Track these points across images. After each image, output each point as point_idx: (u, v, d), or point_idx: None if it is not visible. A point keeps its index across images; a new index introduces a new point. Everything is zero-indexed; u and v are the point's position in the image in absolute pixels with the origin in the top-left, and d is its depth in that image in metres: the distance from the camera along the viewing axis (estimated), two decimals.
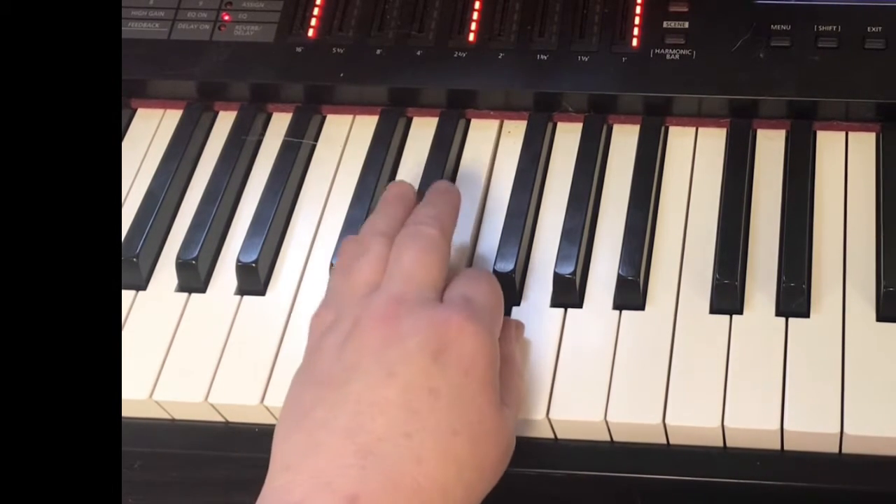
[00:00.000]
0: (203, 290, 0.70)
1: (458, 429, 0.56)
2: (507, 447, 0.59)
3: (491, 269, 0.67)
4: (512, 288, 0.66)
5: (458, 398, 0.56)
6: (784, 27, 0.72)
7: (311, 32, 0.77)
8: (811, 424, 0.60)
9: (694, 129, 0.73)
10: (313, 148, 0.76)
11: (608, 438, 0.63)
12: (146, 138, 0.77)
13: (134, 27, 0.78)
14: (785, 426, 0.60)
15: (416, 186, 0.71)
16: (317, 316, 0.62)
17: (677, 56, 0.73)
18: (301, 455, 0.55)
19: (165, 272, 0.71)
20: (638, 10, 0.74)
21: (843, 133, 0.72)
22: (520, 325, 0.65)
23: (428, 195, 0.66)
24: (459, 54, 0.75)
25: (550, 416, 0.62)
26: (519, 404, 0.61)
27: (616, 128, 0.74)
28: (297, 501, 0.53)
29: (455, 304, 0.59)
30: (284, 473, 0.55)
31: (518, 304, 0.67)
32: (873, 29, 0.72)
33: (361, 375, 0.56)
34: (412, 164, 0.74)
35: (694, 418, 0.61)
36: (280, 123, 0.76)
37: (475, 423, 0.56)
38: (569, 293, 0.66)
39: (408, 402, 0.55)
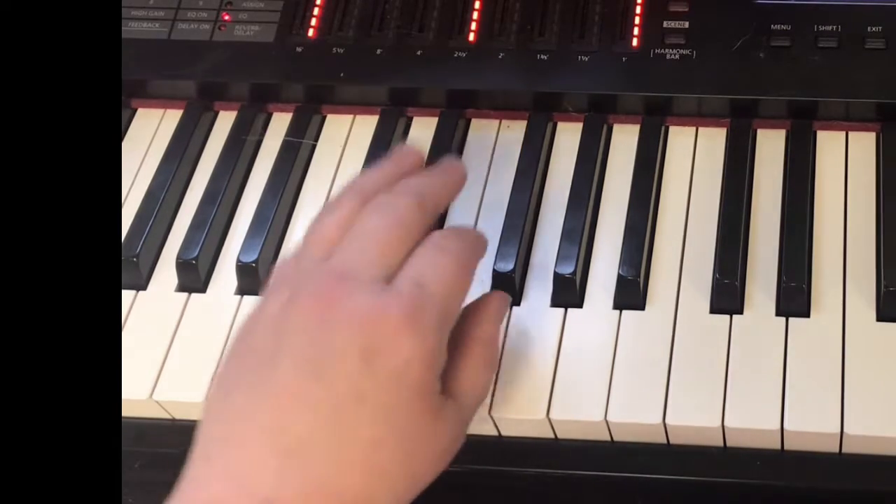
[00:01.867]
0: (203, 290, 0.70)
1: (385, 438, 0.51)
2: (443, 451, 0.55)
3: (491, 270, 0.66)
4: (512, 288, 0.66)
5: (387, 406, 0.51)
6: (784, 27, 0.72)
7: (311, 32, 0.77)
8: (811, 424, 0.60)
9: (694, 128, 0.73)
10: (313, 148, 0.76)
11: (608, 438, 0.63)
12: (146, 138, 0.77)
13: (134, 27, 0.78)
14: (785, 426, 0.60)
15: None
16: (277, 265, 0.58)
17: (677, 56, 0.73)
18: (220, 445, 0.52)
19: (165, 272, 0.71)
20: (638, 10, 0.74)
21: (844, 133, 0.72)
22: (502, 301, 0.60)
23: (427, 168, 0.62)
24: (459, 54, 0.75)
25: (550, 416, 0.62)
26: (480, 396, 0.58)
27: (616, 128, 0.74)
28: (208, 499, 0.50)
29: (400, 293, 0.53)
30: (203, 464, 0.52)
31: (518, 304, 0.67)
32: (873, 29, 0.72)
33: (287, 362, 0.52)
34: None
35: (694, 418, 0.61)
36: (280, 123, 0.76)
37: (405, 433, 0.52)
38: (569, 293, 0.66)
39: (333, 404, 0.51)
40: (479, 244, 0.59)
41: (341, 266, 0.54)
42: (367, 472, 0.51)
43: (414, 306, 0.52)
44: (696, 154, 0.72)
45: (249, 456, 0.51)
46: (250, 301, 0.69)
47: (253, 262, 0.68)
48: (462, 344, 0.57)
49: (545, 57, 0.74)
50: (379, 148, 0.74)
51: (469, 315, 0.58)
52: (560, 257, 0.66)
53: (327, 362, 0.51)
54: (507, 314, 0.66)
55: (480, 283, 0.66)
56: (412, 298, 0.53)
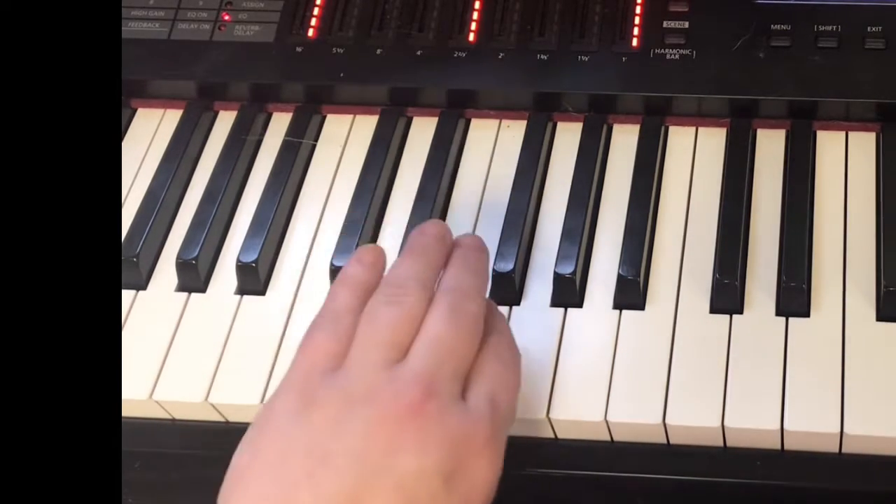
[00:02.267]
0: (203, 289, 0.70)
1: None
2: None
3: (490, 270, 0.66)
4: (512, 288, 0.66)
5: None
6: (784, 27, 0.72)
7: (311, 32, 0.77)
8: (811, 424, 0.60)
9: (694, 128, 0.73)
10: (313, 148, 0.76)
11: (608, 438, 0.63)
12: (146, 138, 0.77)
13: (134, 27, 0.78)
14: (785, 426, 0.60)
15: (416, 186, 0.71)
16: (313, 332, 0.55)
17: (677, 56, 0.73)
18: None
19: (165, 272, 0.71)
20: (638, 9, 0.74)
21: (844, 133, 0.72)
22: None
23: (464, 256, 0.59)
24: (459, 54, 0.75)
25: (551, 415, 0.62)
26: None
27: (616, 127, 0.74)
28: None
29: (481, 411, 0.52)
30: None
31: (518, 303, 0.67)
32: (873, 29, 0.72)
33: (364, 471, 0.50)
34: (412, 163, 0.74)
35: (694, 418, 0.61)
36: (280, 123, 0.76)
37: None
38: (569, 293, 0.66)
39: None
40: (517, 351, 0.58)
41: (427, 375, 0.52)
42: None
43: (494, 429, 0.53)
44: (696, 154, 0.72)
45: None
46: (250, 301, 0.69)
47: (253, 261, 0.68)
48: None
49: (545, 57, 0.74)
50: (379, 148, 0.74)
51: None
52: (560, 257, 0.66)
53: (411, 480, 0.50)
54: (507, 314, 0.66)
55: None
56: (492, 421, 0.53)
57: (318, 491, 0.49)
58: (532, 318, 0.66)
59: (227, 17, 0.78)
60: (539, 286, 0.67)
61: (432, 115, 0.75)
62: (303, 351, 0.55)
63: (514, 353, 0.57)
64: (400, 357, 0.53)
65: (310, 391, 0.52)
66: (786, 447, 0.61)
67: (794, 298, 0.64)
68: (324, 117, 0.77)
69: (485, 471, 0.52)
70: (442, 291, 0.56)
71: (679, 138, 0.73)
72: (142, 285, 0.70)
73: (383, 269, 0.58)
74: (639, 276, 0.65)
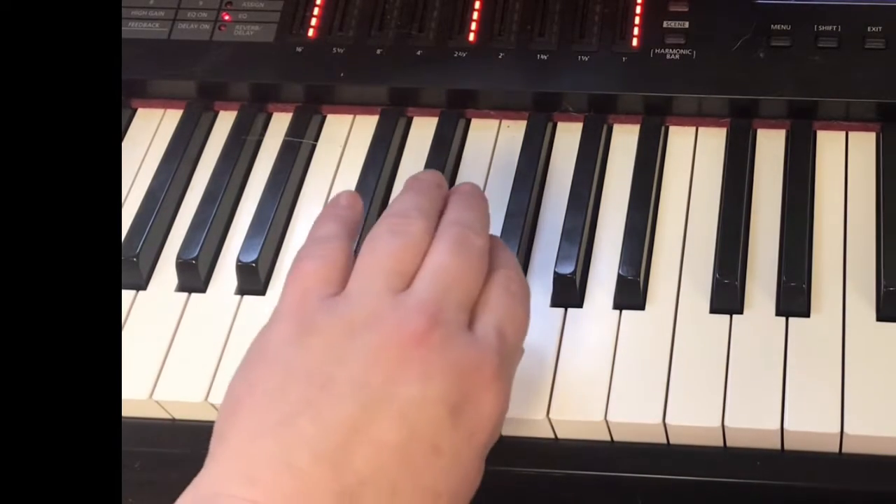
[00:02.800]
0: (203, 289, 0.70)
1: (443, 492, 0.50)
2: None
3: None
4: None
5: (456, 461, 0.50)
6: (784, 27, 0.72)
7: (311, 32, 0.77)
8: (811, 424, 0.60)
9: (694, 128, 0.73)
10: (313, 148, 0.76)
11: (608, 438, 0.63)
12: (146, 138, 0.77)
13: (134, 27, 0.78)
14: (785, 426, 0.60)
15: None
16: (306, 264, 0.53)
17: (677, 56, 0.73)
18: (273, 472, 0.48)
19: (165, 272, 0.71)
20: (638, 9, 0.74)
21: (844, 133, 0.72)
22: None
23: (464, 198, 0.59)
24: (459, 54, 0.75)
25: (551, 415, 0.62)
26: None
27: (616, 127, 0.74)
28: None
29: (488, 342, 0.52)
30: (247, 487, 0.47)
31: None
32: (873, 29, 0.72)
33: (367, 399, 0.48)
34: (412, 163, 0.74)
35: (694, 418, 0.61)
36: (280, 123, 0.76)
37: (461, 486, 0.51)
38: (569, 293, 0.66)
39: (407, 453, 0.49)
40: (526, 286, 0.57)
41: (432, 302, 0.51)
42: None
43: (501, 360, 0.51)
44: (696, 154, 0.72)
45: (309, 492, 0.47)
46: (250, 301, 0.69)
47: (253, 261, 0.68)
48: None
49: (545, 57, 0.74)
50: (379, 148, 0.74)
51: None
52: (560, 257, 0.66)
53: (413, 409, 0.49)
54: None
55: None
56: (499, 352, 0.52)
57: (319, 418, 0.48)
58: (532, 318, 0.65)
59: (227, 17, 0.78)
60: (539, 286, 0.67)
61: (432, 115, 0.75)
62: (293, 279, 0.53)
63: (521, 286, 0.56)
64: (404, 286, 0.52)
65: (308, 318, 0.51)
66: (786, 447, 0.61)
67: (794, 298, 0.64)
68: (324, 117, 0.77)
69: (491, 404, 0.50)
70: (445, 225, 0.55)
71: (679, 138, 0.73)
72: (142, 285, 0.70)
73: (362, 210, 0.59)
74: (639, 276, 0.65)
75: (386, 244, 0.53)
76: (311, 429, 0.48)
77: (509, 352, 0.53)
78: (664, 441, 0.62)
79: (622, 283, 0.65)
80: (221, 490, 0.48)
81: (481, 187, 0.72)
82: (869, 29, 0.72)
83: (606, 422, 0.62)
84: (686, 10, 0.74)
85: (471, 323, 0.53)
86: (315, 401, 0.49)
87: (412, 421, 0.49)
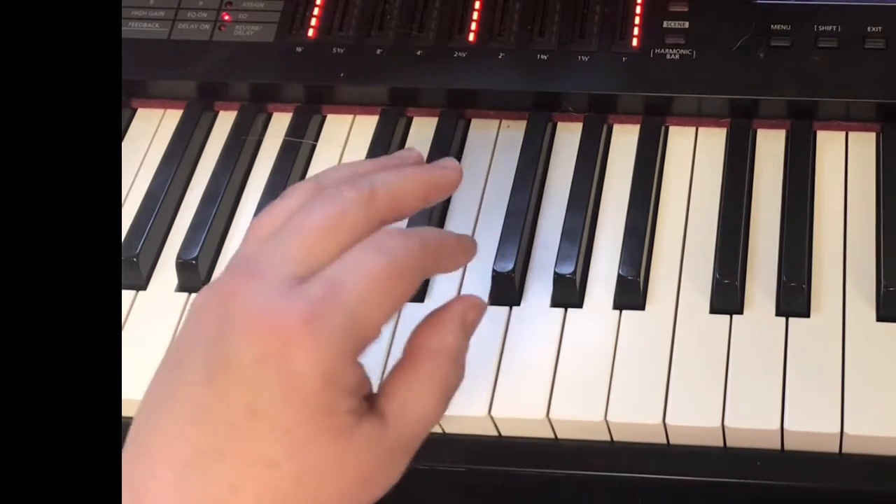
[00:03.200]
0: None
1: (278, 460, 0.45)
2: (363, 478, 0.47)
3: (490, 270, 0.66)
4: (512, 288, 0.66)
5: (278, 423, 0.45)
6: (784, 27, 0.72)
7: (311, 32, 0.77)
8: (811, 424, 0.60)
9: (694, 128, 0.73)
10: (313, 148, 0.76)
11: (608, 438, 0.63)
12: (146, 138, 0.78)
13: (134, 27, 0.78)
14: (785, 426, 0.60)
15: None
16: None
17: (677, 56, 0.73)
18: (132, 445, 0.48)
19: (166, 272, 0.71)
20: (638, 9, 0.74)
21: (843, 133, 0.72)
22: (471, 307, 0.51)
23: (388, 157, 0.55)
24: (459, 54, 0.75)
25: (550, 415, 0.62)
26: (424, 419, 0.49)
27: (616, 127, 0.74)
28: None
29: (306, 296, 0.46)
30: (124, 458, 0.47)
31: (518, 304, 0.67)
32: (873, 29, 0.72)
33: (189, 369, 0.47)
34: None
35: (694, 418, 0.61)
36: (280, 123, 0.76)
37: (302, 454, 0.46)
38: (569, 293, 0.66)
39: (227, 416, 0.45)
40: (444, 248, 0.51)
41: (255, 259, 0.48)
42: (259, 493, 0.45)
43: (315, 312, 0.45)
44: (696, 154, 0.72)
45: (149, 465, 0.46)
46: None
47: None
48: (409, 355, 0.50)
49: (545, 57, 0.74)
50: (379, 148, 0.74)
51: (427, 322, 0.50)
52: (560, 257, 0.66)
53: (220, 367, 0.46)
54: (507, 314, 0.66)
55: (482, 285, 0.66)
56: (316, 303, 0.45)
57: (161, 394, 0.48)
58: (532, 318, 0.66)
59: (227, 17, 0.78)
60: (539, 286, 0.67)
61: (432, 115, 0.75)
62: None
63: (391, 240, 0.48)
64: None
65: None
66: (786, 447, 0.61)
67: (794, 298, 0.64)
68: (324, 117, 0.77)
69: (303, 357, 0.45)
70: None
71: (679, 138, 0.73)
72: (142, 285, 0.70)
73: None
74: (639, 277, 0.65)
75: (267, 210, 0.52)
76: (154, 403, 0.48)
77: (340, 304, 0.46)
78: (664, 441, 0.62)
79: (622, 283, 0.65)
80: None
81: (481, 187, 0.72)
82: (869, 29, 0.72)
83: (606, 422, 0.62)
84: (686, 10, 0.74)
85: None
86: (164, 375, 0.49)
87: (219, 381, 0.46)
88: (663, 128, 0.73)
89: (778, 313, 0.64)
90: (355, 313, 0.46)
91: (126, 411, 0.64)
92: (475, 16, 0.76)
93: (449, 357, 0.49)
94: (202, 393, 0.46)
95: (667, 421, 0.61)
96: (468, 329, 0.50)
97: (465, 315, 0.50)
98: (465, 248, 0.53)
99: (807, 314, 0.64)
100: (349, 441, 0.46)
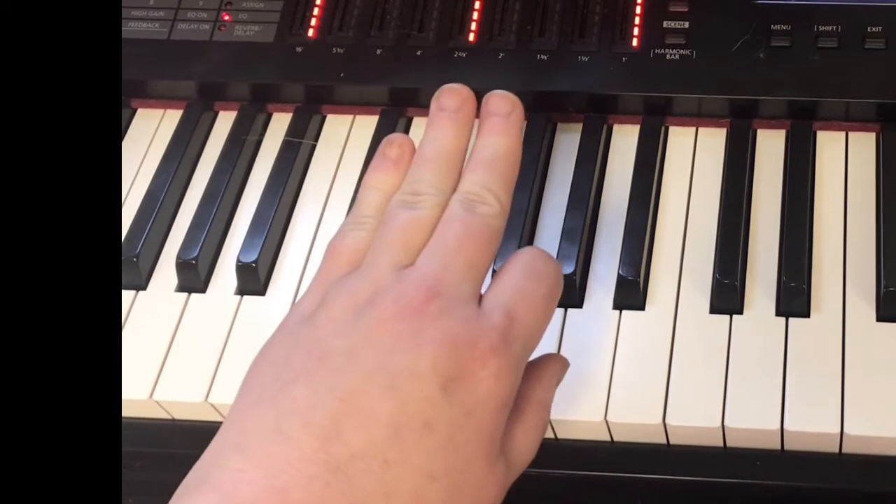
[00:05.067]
0: (203, 290, 0.70)
1: (440, 475, 0.48)
2: None
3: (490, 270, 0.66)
4: None
5: (452, 440, 0.48)
6: (784, 27, 0.72)
7: (311, 32, 0.77)
8: (811, 424, 0.60)
9: (694, 128, 0.73)
10: (313, 148, 0.76)
11: (608, 438, 0.63)
12: (146, 138, 0.78)
13: (134, 27, 0.78)
14: (785, 426, 0.60)
15: None
16: (337, 239, 0.54)
17: (677, 56, 0.73)
18: (264, 440, 0.47)
19: (165, 272, 0.71)
20: (638, 9, 0.74)
21: (843, 133, 0.72)
22: (564, 366, 0.57)
23: (480, 160, 0.54)
24: (459, 54, 0.75)
25: (550, 416, 0.62)
26: (527, 460, 0.54)
27: (616, 128, 0.74)
28: (234, 493, 0.46)
29: (492, 321, 0.49)
30: (236, 456, 0.47)
31: None
32: (873, 29, 0.72)
33: (360, 370, 0.48)
34: None
35: (694, 418, 0.61)
36: (280, 123, 0.76)
37: (459, 472, 0.48)
38: (569, 293, 0.66)
39: (397, 426, 0.47)
40: (558, 281, 0.54)
41: (432, 275, 0.50)
42: (412, 502, 0.47)
43: (504, 340, 0.49)
44: (695, 154, 0.72)
45: (297, 459, 0.46)
46: (250, 301, 0.69)
47: (253, 262, 0.68)
48: (520, 404, 0.53)
49: (545, 57, 0.74)
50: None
51: (529, 375, 0.54)
52: (560, 257, 0.66)
53: (405, 380, 0.48)
54: None
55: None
56: (504, 331, 0.49)
57: (312, 387, 0.48)
58: None
59: (226, 17, 0.78)
60: None
61: None
62: (327, 254, 0.54)
63: (548, 267, 0.52)
64: (410, 261, 0.51)
65: (323, 293, 0.51)
66: (786, 447, 0.61)
67: (794, 299, 0.64)
68: (324, 117, 0.77)
69: (489, 382, 0.48)
70: (456, 193, 0.53)
71: (679, 138, 0.73)
72: (142, 285, 0.70)
73: (410, 160, 0.56)
74: (639, 277, 0.65)
75: (396, 219, 0.52)
76: (303, 397, 0.48)
77: (517, 333, 0.50)
78: (664, 441, 0.62)
79: (622, 283, 0.65)
80: (214, 461, 0.48)
81: None
82: (869, 29, 0.72)
83: (606, 422, 0.62)
84: (686, 10, 0.74)
85: (482, 298, 0.51)
86: (311, 370, 0.48)
87: (402, 392, 0.47)
88: (663, 128, 0.73)
89: (778, 313, 0.64)
90: (530, 339, 0.51)
91: (126, 411, 0.65)
92: (475, 16, 0.76)
93: (548, 408, 0.55)
94: (375, 398, 0.47)
95: (667, 421, 0.61)
96: (558, 384, 0.56)
97: (558, 372, 0.56)
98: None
99: (807, 314, 0.64)
100: (490, 473, 0.50)
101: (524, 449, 0.53)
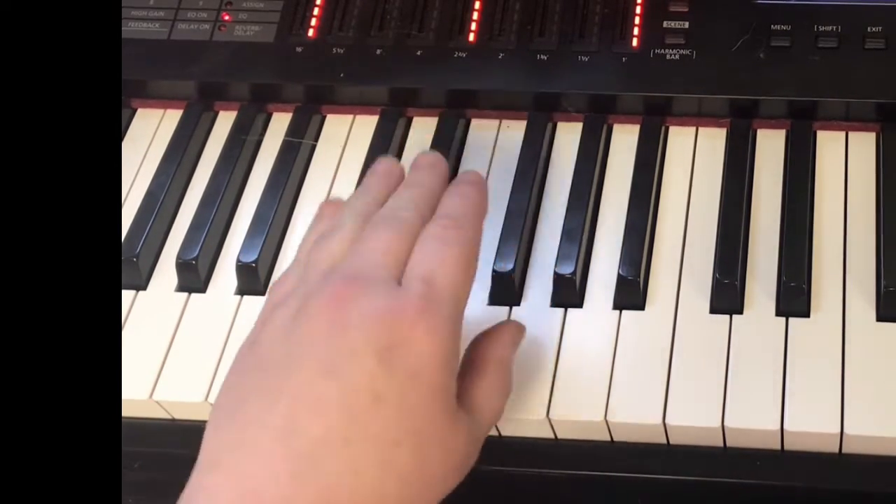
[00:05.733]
0: (203, 290, 0.70)
1: (402, 439, 0.51)
2: (458, 462, 0.54)
3: (490, 270, 0.66)
4: (512, 288, 0.66)
5: (404, 405, 0.51)
6: (784, 27, 0.72)
7: (311, 32, 0.77)
8: (811, 424, 0.60)
9: (694, 128, 0.73)
10: (313, 148, 0.76)
11: (608, 438, 0.63)
12: (146, 138, 0.77)
13: (134, 27, 0.78)
14: (785, 426, 0.60)
15: None
16: (276, 284, 0.58)
17: (677, 56, 0.73)
18: (230, 453, 0.50)
19: (165, 272, 0.71)
20: (638, 9, 0.74)
21: (844, 133, 0.72)
22: (519, 329, 0.61)
23: (411, 173, 0.61)
24: (459, 54, 0.75)
25: (550, 416, 0.62)
26: (493, 422, 0.57)
27: (616, 127, 0.74)
28: None
29: (412, 289, 0.53)
30: (210, 472, 0.50)
31: (518, 303, 0.67)
32: (873, 29, 0.72)
33: (302, 367, 0.51)
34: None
35: (694, 418, 0.61)
36: (280, 123, 0.76)
37: (421, 432, 0.51)
38: (569, 293, 0.66)
39: (348, 406, 0.50)
40: (478, 211, 0.59)
41: (350, 270, 0.54)
42: (382, 473, 0.50)
43: (427, 303, 0.52)
44: (695, 154, 0.72)
45: (263, 461, 0.49)
46: (250, 301, 0.69)
47: (253, 262, 0.68)
48: (476, 364, 0.57)
49: (545, 57, 0.74)
50: (379, 148, 0.74)
51: (484, 338, 0.59)
52: (560, 257, 0.66)
53: (342, 362, 0.50)
54: (507, 314, 0.66)
55: (481, 285, 0.66)
56: (424, 295, 0.52)
57: (264, 395, 0.51)
58: (532, 318, 0.66)
59: (227, 17, 0.78)
60: (539, 286, 0.67)
61: (432, 115, 0.75)
62: (266, 300, 0.59)
63: (458, 231, 0.56)
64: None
65: (269, 312, 0.56)
66: (786, 447, 0.61)
67: (794, 298, 0.64)
68: (324, 117, 0.77)
69: (423, 342, 0.51)
70: (380, 209, 0.58)
71: (679, 138, 0.73)
72: (142, 285, 0.70)
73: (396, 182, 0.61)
74: (639, 277, 0.65)
75: (321, 242, 0.58)
76: (256, 408, 0.51)
77: (441, 296, 0.53)
78: (664, 441, 0.62)
79: (622, 283, 0.65)
80: (195, 483, 0.51)
81: None
82: (869, 29, 0.72)
83: (606, 422, 0.62)
84: (686, 10, 0.74)
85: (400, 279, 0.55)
86: (260, 384, 0.52)
87: (343, 373, 0.50)
88: (663, 128, 0.73)
89: (778, 313, 0.64)
90: (454, 297, 0.54)
91: (126, 411, 0.65)
92: (475, 16, 0.76)
93: (507, 366, 0.58)
94: (320, 387, 0.50)
95: (667, 421, 0.61)
96: (516, 345, 0.59)
97: (513, 334, 0.60)
98: (482, 206, 0.60)
99: (807, 314, 0.64)
100: (453, 427, 0.53)
101: (489, 405, 0.56)
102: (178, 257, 0.69)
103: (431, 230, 0.56)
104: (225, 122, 0.77)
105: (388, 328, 0.51)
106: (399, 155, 0.75)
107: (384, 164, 0.63)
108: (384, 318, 0.51)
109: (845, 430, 0.60)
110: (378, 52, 0.76)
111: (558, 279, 0.66)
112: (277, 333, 0.53)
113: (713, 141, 0.72)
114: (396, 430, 0.51)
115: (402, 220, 0.56)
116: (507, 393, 0.58)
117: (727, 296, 0.64)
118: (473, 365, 0.57)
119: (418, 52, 0.75)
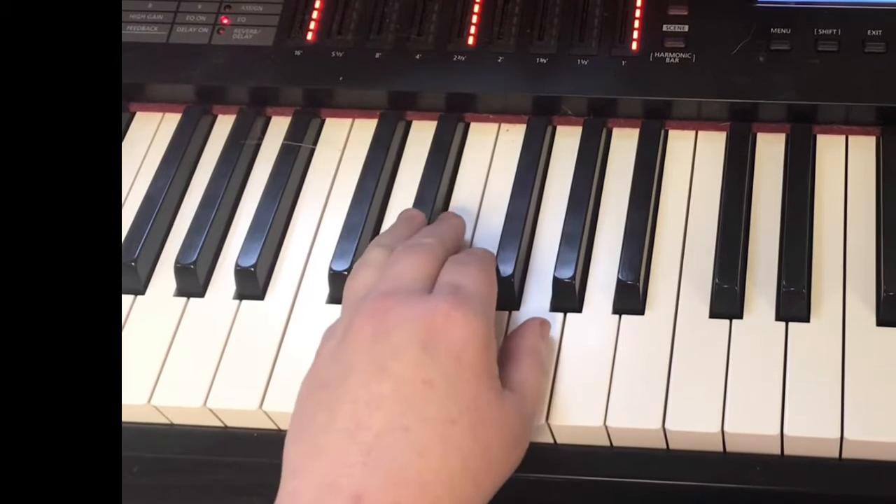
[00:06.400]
0: (202, 294, 0.69)
1: (456, 417, 0.56)
2: (513, 436, 0.59)
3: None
4: (511, 292, 0.66)
5: (453, 386, 0.56)
6: (784, 30, 0.72)
7: (310, 36, 0.77)
8: (811, 429, 0.60)
9: (694, 132, 0.73)
10: (312, 151, 0.76)
11: (608, 443, 0.63)
12: (145, 142, 0.77)
13: (133, 31, 0.78)
14: (785, 431, 0.60)
15: (415, 190, 0.71)
16: (328, 328, 0.63)
17: (677, 59, 0.73)
18: (306, 459, 0.56)
19: (164, 276, 0.70)
20: (637, 13, 0.74)
21: (843, 137, 0.72)
22: (545, 323, 0.65)
23: (433, 223, 0.69)
24: (459, 58, 0.75)
25: (550, 420, 0.62)
26: (536, 400, 0.61)
27: (616, 131, 0.74)
28: None
29: (442, 293, 0.60)
30: (292, 479, 0.56)
31: (517, 308, 0.66)
32: (873, 32, 0.72)
33: (355, 374, 0.57)
34: (411, 167, 0.74)
35: (694, 423, 0.61)
36: (279, 127, 0.76)
37: (472, 409, 0.57)
38: (568, 298, 0.66)
39: (402, 396, 0.56)
40: (489, 260, 0.65)
41: (384, 289, 0.60)
42: (444, 451, 0.55)
43: (458, 300, 0.59)
44: (695, 158, 0.72)
45: (335, 458, 0.55)
46: (249, 306, 0.68)
47: (251, 266, 0.68)
48: (511, 354, 0.63)
49: (544, 60, 0.74)
50: (378, 151, 0.73)
51: (514, 333, 0.64)
52: (559, 262, 0.66)
53: (390, 360, 0.56)
54: (506, 319, 0.66)
55: None
56: (454, 295, 0.59)
57: (326, 409, 0.56)
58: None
59: (225, 21, 0.78)
60: (538, 291, 0.67)
61: (431, 118, 0.75)
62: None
63: (474, 256, 0.64)
64: None
65: (321, 348, 0.62)
66: (786, 452, 0.61)
67: (793, 303, 0.64)
68: (323, 121, 0.77)
69: (459, 328, 0.57)
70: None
71: (679, 142, 0.73)
72: (140, 290, 0.70)
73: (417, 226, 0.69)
74: (638, 281, 0.65)
75: (354, 275, 0.64)
76: (324, 417, 0.56)
77: (469, 295, 0.59)
78: (664, 446, 0.62)
79: (621, 287, 0.65)
80: (281, 492, 0.56)
81: (480, 191, 0.72)
82: (869, 32, 0.72)
83: (606, 427, 0.62)
84: (685, 13, 0.74)
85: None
86: (324, 397, 0.57)
87: (393, 369, 0.56)
88: (663, 131, 0.73)
89: (778, 318, 0.64)
90: (482, 299, 0.60)
91: (125, 416, 0.65)
92: (474, 19, 0.76)
93: (538, 351, 0.63)
94: (374, 386, 0.56)
95: (666, 426, 0.61)
96: (545, 336, 0.64)
97: (541, 327, 0.64)
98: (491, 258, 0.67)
99: (807, 319, 0.64)
100: (502, 403, 0.58)
101: (529, 383, 0.61)
102: (177, 261, 0.69)
103: (454, 257, 0.63)
104: (223, 125, 0.77)
105: (426, 325, 0.57)
106: (398, 158, 0.75)
107: (408, 210, 0.70)
108: (422, 317, 0.57)
109: (845, 435, 0.60)
110: (377, 55, 0.75)
111: (557, 284, 0.66)
112: (329, 358, 0.59)
113: (713, 145, 0.72)
114: (449, 410, 0.56)
115: (425, 244, 0.63)
116: (545, 372, 0.63)
117: (727, 300, 0.64)
118: (509, 355, 0.62)
119: (417, 56, 0.75)
